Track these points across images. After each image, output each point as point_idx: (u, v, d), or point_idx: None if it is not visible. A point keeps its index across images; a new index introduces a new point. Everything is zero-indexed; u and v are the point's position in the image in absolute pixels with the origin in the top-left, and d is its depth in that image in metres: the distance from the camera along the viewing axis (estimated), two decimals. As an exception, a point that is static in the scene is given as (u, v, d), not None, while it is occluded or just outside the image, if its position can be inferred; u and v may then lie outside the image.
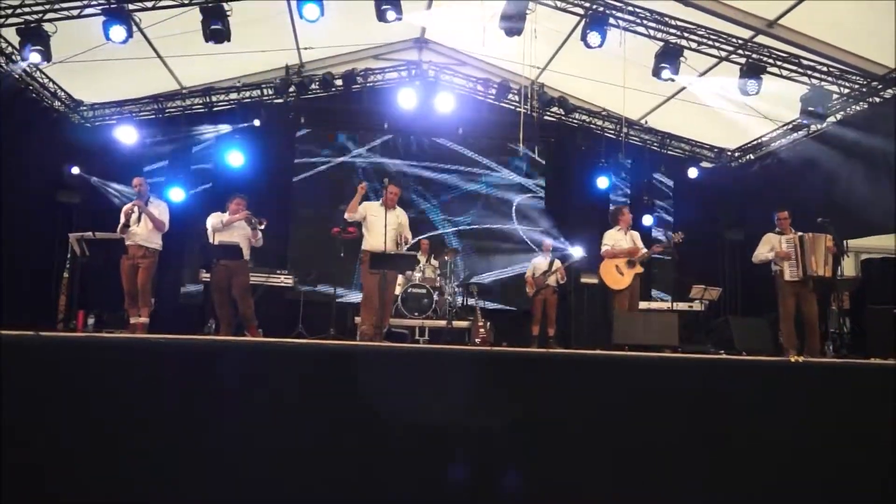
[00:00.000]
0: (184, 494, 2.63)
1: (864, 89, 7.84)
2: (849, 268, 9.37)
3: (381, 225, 6.13)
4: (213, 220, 6.63)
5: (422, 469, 2.84)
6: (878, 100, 7.84)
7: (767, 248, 6.70)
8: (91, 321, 7.39)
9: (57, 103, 9.09)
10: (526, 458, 2.97)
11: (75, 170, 9.01)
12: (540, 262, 9.03)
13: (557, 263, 8.86)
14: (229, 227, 6.58)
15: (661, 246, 7.50)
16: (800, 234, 6.59)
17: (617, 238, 7.22)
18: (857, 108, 8.15)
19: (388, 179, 6.50)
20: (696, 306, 9.22)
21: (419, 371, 3.01)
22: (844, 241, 7.46)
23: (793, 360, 3.77)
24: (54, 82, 8.82)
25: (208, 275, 7.68)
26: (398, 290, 8.00)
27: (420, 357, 3.17)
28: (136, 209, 6.42)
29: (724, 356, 5.29)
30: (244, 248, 6.60)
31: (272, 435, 2.76)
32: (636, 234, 7.35)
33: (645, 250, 7.12)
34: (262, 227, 6.57)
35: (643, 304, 8.12)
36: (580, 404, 3.13)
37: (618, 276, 7.04)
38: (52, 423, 2.60)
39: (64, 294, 7.95)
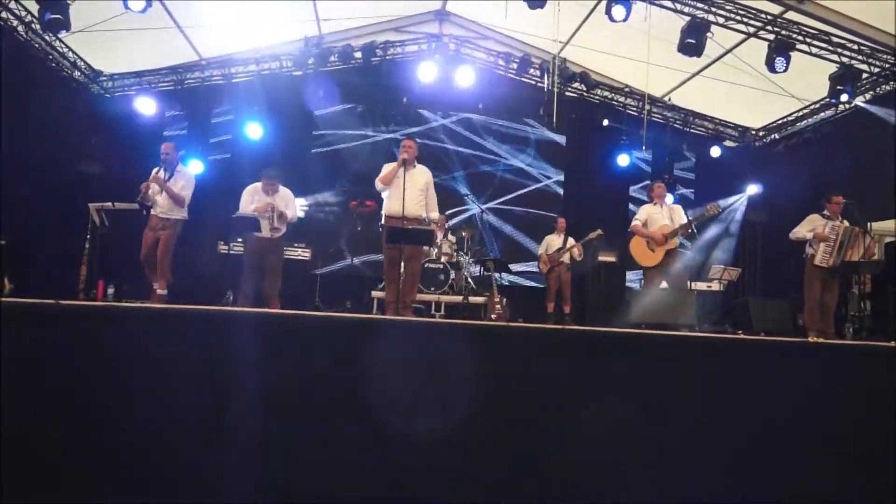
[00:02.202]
0: (202, 462, 2.66)
1: (895, 69, 7.63)
2: (872, 251, 9.19)
3: (399, 185, 5.56)
4: (245, 199, 6.42)
5: (432, 440, 2.85)
6: (909, 80, 7.65)
7: (808, 227, 6.44)
8: (111, 291, 7.46)
9: (77, 73, 9.11)
10: (535, 436, 2.97)
11: (95, 140, 9.05)
12: (553, 239, 8.98)
13: (572, 241, 8.80)
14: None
15: (696, 219, 6.67)
16: (846, 224, 6.35)
17: (652, 212, 6.62)
18: (888, 87, 7.93)
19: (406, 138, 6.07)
20: (715, 286, 9.13)
21: (434, 344, 3.01)
22: (868, 224, 7.32)
23: (812, 340, 3.73)
24: (74, 52, 8.82)
25: (226, 247, 7.71)
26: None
27: (435, 331, 3.16)
28: (153, 185, 6.28)
29: (743, 336, 5.24)
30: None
31: (289, 404, 2.79)
32: (677, 208, 6.69)
33: (676, 225, 6.47)
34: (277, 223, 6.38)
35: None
36: (593, 381, 3.12)
37: (648, 253, 6.55)
38: (71, 389, 2.63)
39: (84, 264, 8.01)
